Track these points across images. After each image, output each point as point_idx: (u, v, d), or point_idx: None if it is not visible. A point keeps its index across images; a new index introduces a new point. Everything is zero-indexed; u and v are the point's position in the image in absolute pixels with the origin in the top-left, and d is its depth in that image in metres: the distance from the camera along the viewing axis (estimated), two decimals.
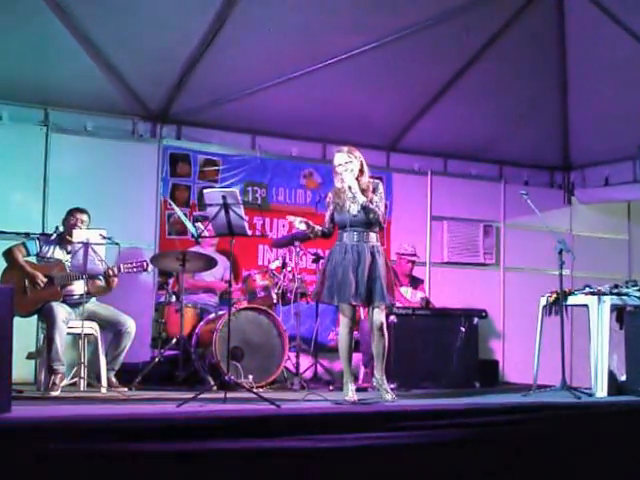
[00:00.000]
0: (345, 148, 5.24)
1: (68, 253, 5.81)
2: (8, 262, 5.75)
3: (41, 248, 5.83)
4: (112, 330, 5.90)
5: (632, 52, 6.88)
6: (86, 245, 5.48)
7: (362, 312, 6.48)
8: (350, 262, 5.06)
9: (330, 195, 5.32)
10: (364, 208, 5.10)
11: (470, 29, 6.74)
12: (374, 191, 5.20)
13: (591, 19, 6.83)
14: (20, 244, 5.74)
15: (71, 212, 5.94)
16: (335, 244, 5.23)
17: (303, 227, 5.21)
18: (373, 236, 5.19)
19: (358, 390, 5.78)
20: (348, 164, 5.18)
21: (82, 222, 5.88)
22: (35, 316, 5.81)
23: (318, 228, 5.29)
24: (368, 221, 5.15)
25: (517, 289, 8.44)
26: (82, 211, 5.94)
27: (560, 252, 6.08)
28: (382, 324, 5.18)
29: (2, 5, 5.78)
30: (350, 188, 5.11)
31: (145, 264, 5.94)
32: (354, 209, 5.15)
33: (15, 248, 5.74)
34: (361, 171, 5.22)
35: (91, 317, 5.84)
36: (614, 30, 6.76)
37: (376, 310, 5.16)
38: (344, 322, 5.18)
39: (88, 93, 6.70)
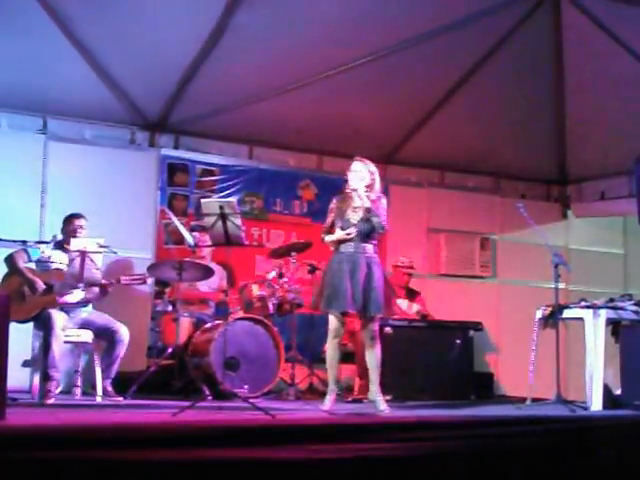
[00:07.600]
0: (366, 160, 5.32)
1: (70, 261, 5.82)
2: (9, 267, 5.74)
3: (42, 254, 5.83)
4: (106, 338, 5.89)
5: (629, 67, 6.90)
6: (83, 253, 5.49)
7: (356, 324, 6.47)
8: (346, 271, 5.10)
9: (334, 202, 5.35)
10: (368, 210, 5.13)
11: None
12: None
13: (588, 34, 6.85)
14: (22, 250, 5.73)
15: (70, 219, 5.96)
16: (333, 255, 5.27)
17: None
18: (370, 247, 5.22)
19: (354, 401, 5.79)
20: (360, 173, 5.24)
21: (82, 228, 5.91)
22: (31, 324, 5.80)
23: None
24: (367, 231, 5.18)
25: (513, 302, 8.41)
26: (80, 217, 5.96)
27: (556, 265, 6.10)
28: (376, 335, 5.20)
29: (2, 14, 5.80)
30: (355, 190, 5.17)
31: (145, 278, 5.95)
32: (355, 218, 5.18)
33: (16, 253, 5.73)
34: (370, 186, 5.26)
35: (86, 325, 5.84)
36: (611, 45, 6.78)
37: (370, 321, 5.17)
38: (332, 332, 5.21)
39: (87, 102, 6.73)
